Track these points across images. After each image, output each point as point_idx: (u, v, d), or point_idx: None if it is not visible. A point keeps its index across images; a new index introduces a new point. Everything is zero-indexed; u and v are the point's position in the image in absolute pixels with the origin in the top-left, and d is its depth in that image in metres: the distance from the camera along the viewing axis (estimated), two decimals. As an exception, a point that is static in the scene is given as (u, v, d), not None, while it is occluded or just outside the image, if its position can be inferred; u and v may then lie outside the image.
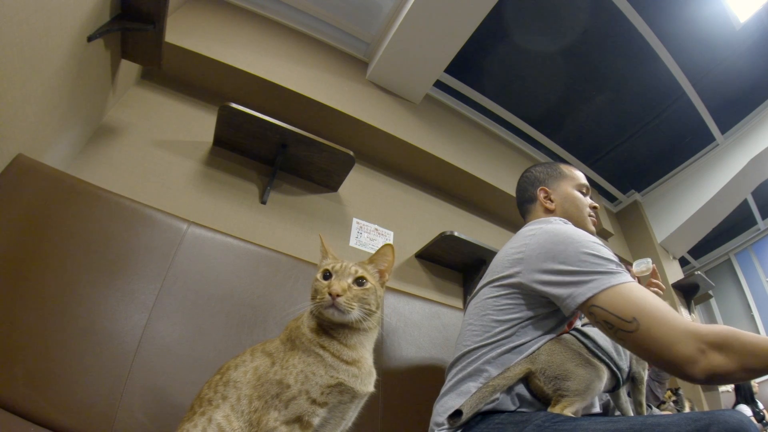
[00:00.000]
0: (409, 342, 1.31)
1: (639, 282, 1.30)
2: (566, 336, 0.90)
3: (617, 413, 1.06)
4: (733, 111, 3.00)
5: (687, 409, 1.96)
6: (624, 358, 0.94)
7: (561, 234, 0.92)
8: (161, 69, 1.55)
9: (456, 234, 1.95)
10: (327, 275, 0.73)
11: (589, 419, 0.74)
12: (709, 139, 3.16)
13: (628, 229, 3.57)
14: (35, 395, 0.82)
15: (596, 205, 1.15)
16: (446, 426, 0.85)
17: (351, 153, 1.82)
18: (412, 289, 1.94)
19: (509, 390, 0.84)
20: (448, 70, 2.64)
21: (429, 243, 2.07)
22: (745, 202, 3.61)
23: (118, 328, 0.95)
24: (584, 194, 1.15)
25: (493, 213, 2.71)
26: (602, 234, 3.17)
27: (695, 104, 2.89)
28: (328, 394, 0.66)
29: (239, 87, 1.99)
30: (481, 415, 0.83)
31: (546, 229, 0.96)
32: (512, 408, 0.83)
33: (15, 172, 1.01)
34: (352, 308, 0.68)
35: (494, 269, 1.02)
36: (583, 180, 1.17)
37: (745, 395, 3.25)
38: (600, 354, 0.88)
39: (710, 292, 3.41)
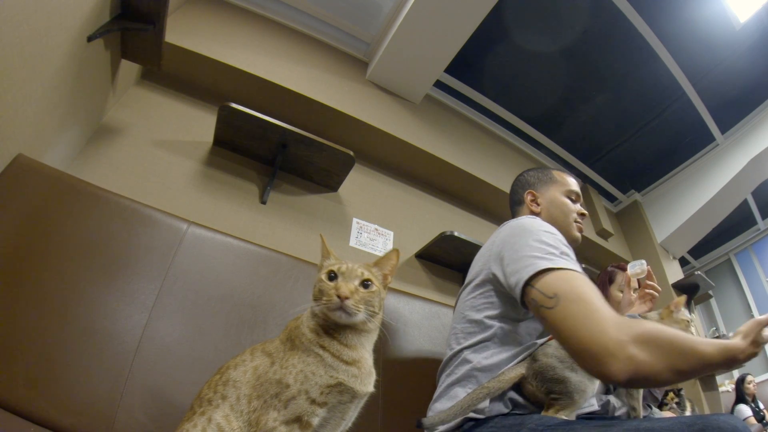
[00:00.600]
0: (409, 342, 1.31)
1: (634, 283, 1.31)
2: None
3: (618, 413, 1.06)
4: (733, 111, 3.00)
5: (688, 411, 1.96)
6: None
7: (519, 227, 0.96)
8: (161, 69, 1.55)
9: (456, 234, 1.95)
10: (332, 276, 0.72)
11: (583, 423, 0.73)
12: (709, 139, 3.16)
13: (628, 229, 3.57)
14: (35, 395, 0.82)
15: (584, 212, 1.16)
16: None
17: (351, 153, 1.82)
18: (412, 289, 1.94)
19: (502, 394, 0.84)
20: (448, 70, 2.64)
21: (429, 243, 2.07)
22: (745, 202, 3.61)
23: (118, 328, 0.95)
24: (573, 201, 1.16)
25: (493, 213, 2.71)
26: (602, 234, 3.17)
27: (695, 104, 2.89)
28: (328, 394, 0.66)
29: (239, 87, 1.99)
30: (474, 421, 0.83)
31: (510, 224, 1.00)
32: (505, 411, 0.83)
33: (15, 172, 1.01)
34: (359, 310, 0.69)
35: (471, 271, 1.05)
36: (574, 187, 1.18)
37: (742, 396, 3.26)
38: None
39: (710, 292, 3.40)
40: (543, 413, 0.80)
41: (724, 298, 4.56)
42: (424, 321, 1.39)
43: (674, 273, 3.24)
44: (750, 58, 2.60)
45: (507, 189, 1.30)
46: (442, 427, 0.86)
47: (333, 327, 0.71)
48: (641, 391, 0.92)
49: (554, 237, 0.90)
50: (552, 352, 0.84)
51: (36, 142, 1.11)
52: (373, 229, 2.07)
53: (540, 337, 0.91)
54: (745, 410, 3.21)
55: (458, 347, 0.96)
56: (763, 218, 4.10)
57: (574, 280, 0.78)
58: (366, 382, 0.70)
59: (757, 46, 2.53)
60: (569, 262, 0.83)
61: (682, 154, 3.32)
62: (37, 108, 1.06)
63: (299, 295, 1.20)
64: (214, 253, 1.16)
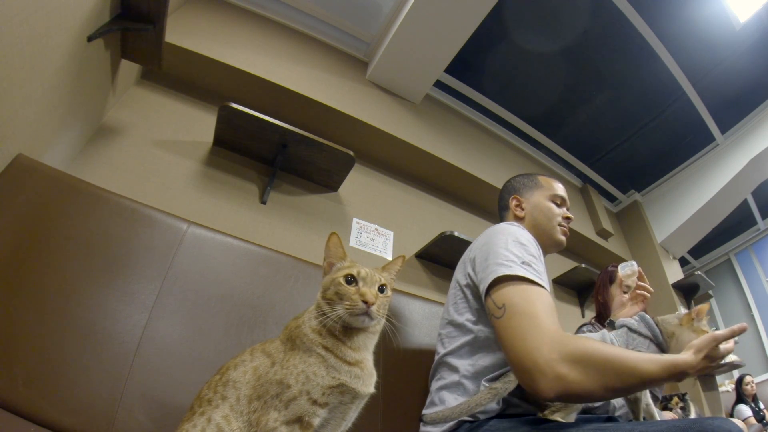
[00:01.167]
0: (409, 342, 1.31)
1: (626, 285, 1.31)
2: None
3: (618, 413, 1.06)
4: (733, 111, 3.00)
5: (693, 415, 1.96)
6: None
7: (492, 233, 0.99)
8: (161, 69, 1.55)
9: (456, 234, 1.95)
10: (349, 280, 0.72)
11: (577, 426, 0.74)
12: (709, 139, 3.16)
13: (628, 229, 3.57)
14: (35, 395, 0.82)
15: (569, 216, 1.17)
16: None
17: (351, 153, 1.82)
18: (412, 289, 1.94)
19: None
20: (448, 70, 2.64)
21: (429, 243, 2.07)
22: (745, 202, 3.61)
23: (118, 328, 0.95)
24: (558, 205, 1.17)
25: (493, 213, 2.70)
26: (602, 234, 3.17)
27: (695, 104, 2.89)
28: (329, 395, 0.66)
29: (239, 87, 1.99)
30: (469, 423, 0.83)
31: (487, 230, 1.03)
32: (496, 408, 0.84)
33: (15, 172, 1.01)
34: (381, 315, 0.71)
35: (454, 275, 1.09)
36: (560, 192, 1.19)
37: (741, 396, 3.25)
38: None
39: (710, 292, 3.41)
40: (539, 414, 0.80)
41: (724, 298, 4.56)
42: (424, 321, 1.39)
43: (674, 273, 3.24)
44: (750, 58, 2.60)
45: (507, 189, 1.31)
46: (439, 427, 0.86)
47: (340, 328, 0.71)
48: (646, 392, 0.92)
49: (521, 246, 0.91)
50: None
51: (36, 142, 1.11)
52: (373, 229, 2.07)
53: None
54: (745, 410, 3.20)
55: (443, 352, 0.98)
56: (763, 218, 4.10)
57: (524, 292, 0.80)
58: (367, 383, 0.70)
59: (757, 46, 2.54)
60: (528, 271, 0.83)
61: (682, 154, 3.32)
62: (37, 108, 1.06)
63: (299, 295, 1.20)
64: (214, 253, 1.16)
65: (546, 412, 0.79)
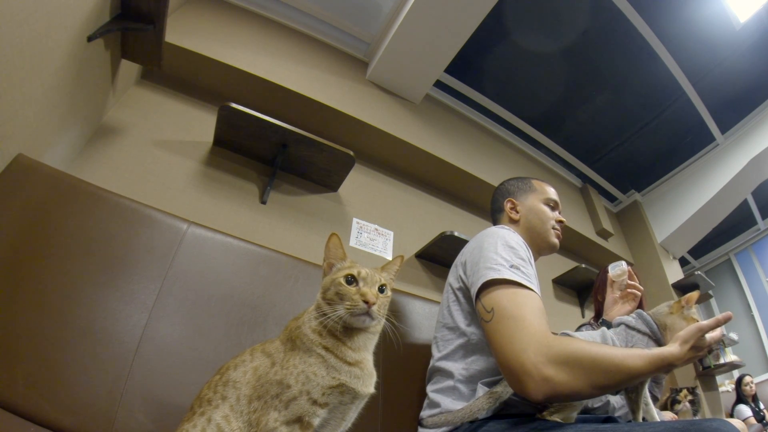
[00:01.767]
0: (409, 342, 1.31)
1: (616, 285, 1.32)
2: None
3: (618, 414, 1.06)
4: (733, 111, 3.00)
5: (705, 408, 1.97)
6: None
7: (483, 236, 1.00)
8: (161, 69, 1.55)
9: (456, 234, 1.95)
10: (350, 280, 0.72)
11: (575, 426, 0.74)
12: (709, 139, 3.16)
13: (628, 229, 3.57)
14: (35, 395, 0.82)
15: (562, 219, 1.19)
16: None
17: (351, 153, 1.82)
18: (412, 289, 1.94)
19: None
20: (448, 70, 2.64)
21: (429, 243, 2.07)
22: (745, 202, 3.62)
23: (118, 328, 0.94)
24: (552, 208, 1.19)
25: (493, 213, 2.72)
26: (602, 234, 3.17)
27: (695, 104, 2.89)
28: (329, 395, 0.66)
29: (239, 87, 1.99)
30: (468, 423, 0.84)
31: (478, 235, 1.04)
32: (495, 408, 0.84)
33: (15, 172, 1.01)
34: (381, 315, 0.72)
35: (448, 277, 1.10)
36: (552, 195, 1.21)
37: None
38: None
39: (710, 292, 3.41)
40: (538, 415, 0.80)
41: (724, 298, 4.56)
42: (424, 321, 1.39)
43: (674, 273, 3.24)
44: (750, 58, 2.60)
45: (507, 189, 1.31)
46: (440, 429, 0.87)
47: (340, 329, 0.71)
48: (645, 391, 0.92)
49: (510, 249, 0.92)
50: None
51: (36, 142, 1.11)
52: (373, 229, 2.07)
53: None
54: (745, 410, 3.20)
55: (438, 355, 0.99)
56: (763, 218, 4.10)
57: (512, 296, 0.81)
58: (367, 383, 0.70)
59: (757, 46, 2.54)
60: (517, 274, 0.84)
61: (682, 154, 3.33)
62: (37, 108, 1.06)
63: (299, 295, 1.20)
64: (214, 253, 1.16)
65: (545, 413, 0.79)
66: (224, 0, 2.23)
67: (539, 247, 1.15)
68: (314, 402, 0.64)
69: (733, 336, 2.94)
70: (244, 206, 1.74)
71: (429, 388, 0.98)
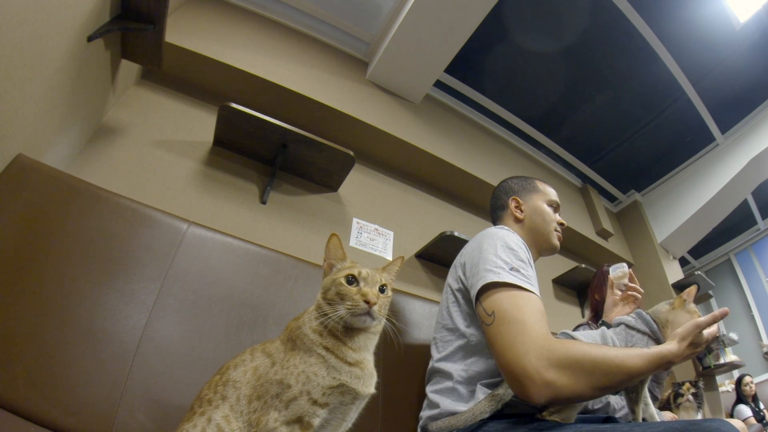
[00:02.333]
0: (409, 342, 1.31)
1: (616, 286, 1.33)
2: None
3: (618, 414, 1.06)
4: (733, 111, 3.00)
5: (704, 404, 1.97)
6: None
7: (483, 237, 0.99)
8: (161, 69, 1.55)
9: (456, 234, 1.95)
10: (350, 280, 0.72)
11: (575, 426, 0.74)
12: (709, 139, 3.16)
13: (628, 229, 3.57)
14: (35, 395, 0.82)
15: (563, 222, 1.20)
16: None
17: (351, 153, 1.82)
18: (412, 289, 1.94)
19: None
20: (448, 70, 2.64)
21: (429, 243, 2.07)
22: (745, 202, 3.62)
23: (118, 328, 0.95)
24: (554, 210, 1.20)
25: (493, 213, 2.71)
26: (602, 234, 3.17)
27: (695, 104, 2.89)
28: (330, 395, 0.66)
29: (239, 87, 1.99)
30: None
31: (477, 236, 1.04)
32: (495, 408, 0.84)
33: (15, 172, 1.01)
34: (382, 315, 0.72)
35: (447, 278, 1.10)
36: (555, 197, 1.22)
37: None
38: None
39: (710, 292, 3.41)
40: (538, 416, 0.80)
41: (724, 298, 4.56)
42: (424, 321, 1.39)
43: (674, 273, 3.24)
44: (750, 58, 2.60)
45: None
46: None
47: (341, 329, 0.71)
48: (645, 392, 0.92)
49: (510, 251, 0.91)
50: None
51: (36, 142, 1.11)
52: (373, 229, 2.07)
53: None
54: (745, 410, 3.20)
55: (437, 356, 0.99)
56: (763, 218, 4.10)
57: (513, 299, 0.81)
58: (368, 383, 0.70)
59: (757, 46, 2.53)
60: (517, 277, 0.84)
61: (682, 154, 3.32)
62: (37, 108, 1.06)
63: (299, 295, 1.20)
64: (214, 253, 1.16)
65: (545, 413, 0.79)
66: (224, 0, 2.23)
67: (540, 248, 1.15)
68: (314, 402, 0.64)
69: (733, 336, 2.95)
70: (244, 206, 1.74)
71: (428, 389, 0.98)
